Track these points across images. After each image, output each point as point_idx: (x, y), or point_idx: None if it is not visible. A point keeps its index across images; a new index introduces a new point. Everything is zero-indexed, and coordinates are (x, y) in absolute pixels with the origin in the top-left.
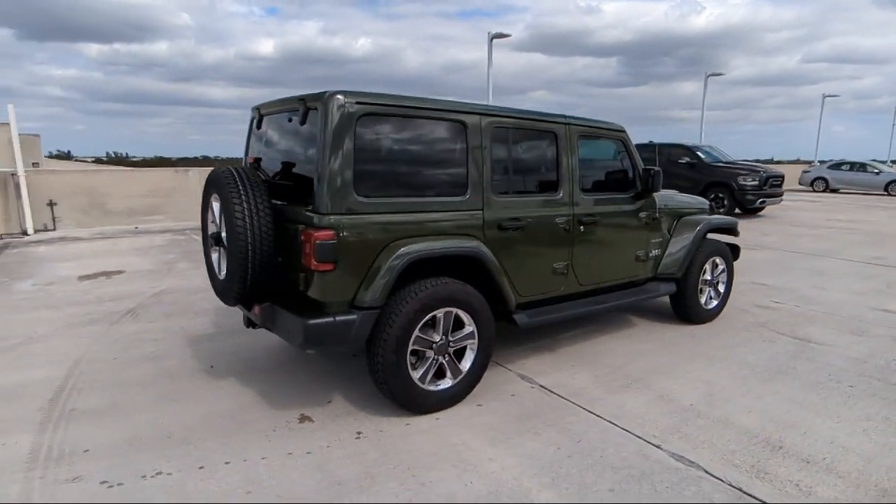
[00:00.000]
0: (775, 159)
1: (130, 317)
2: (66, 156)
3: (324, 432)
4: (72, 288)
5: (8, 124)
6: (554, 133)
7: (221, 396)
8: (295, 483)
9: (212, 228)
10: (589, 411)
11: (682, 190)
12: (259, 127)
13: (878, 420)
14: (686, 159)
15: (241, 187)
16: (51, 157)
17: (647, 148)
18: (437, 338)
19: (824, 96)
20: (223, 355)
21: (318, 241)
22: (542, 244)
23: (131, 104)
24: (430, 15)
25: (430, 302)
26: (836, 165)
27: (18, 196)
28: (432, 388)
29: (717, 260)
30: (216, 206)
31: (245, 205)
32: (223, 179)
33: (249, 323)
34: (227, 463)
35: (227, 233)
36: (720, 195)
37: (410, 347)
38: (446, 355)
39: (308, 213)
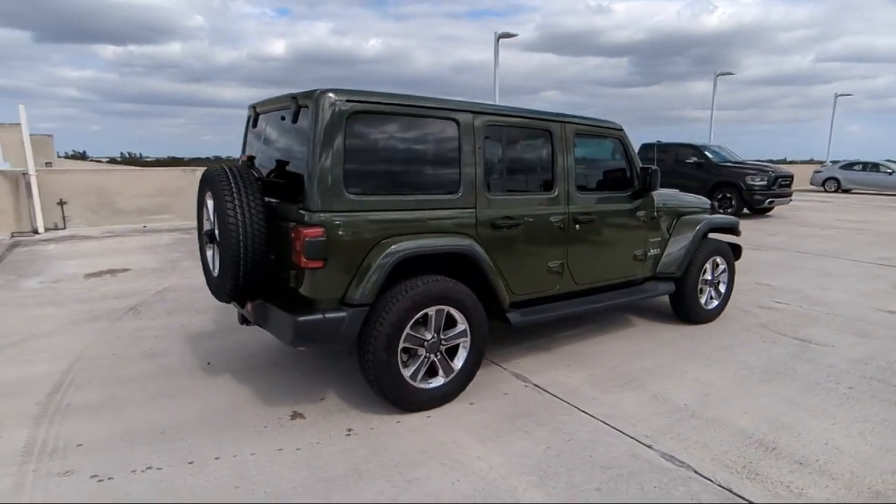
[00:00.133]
0: (788, 159)
1: (132, 314)
2: (82, 156)
3: (314, 429)
4: (77, 285)
5: (21, 125)
6: (549, 131)
7: (216, 393)
8: (282, 479)
9: (206, 226)
10: (582, 410)
11: (689, 190)
12: (255, 125)
13: (876, 422)
14: (694, 159)
15: (233, 185)
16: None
17: (654, 147)
18: (428, 336)
19: (836, 95)
20: (221, 352)
21: (307, 239)
22: (536, 243)
23: (145, 105)
24: (439, 15)
25: (422, 300)
26: (849, 165)
27: (29, 195)
28: (424, 386)
29: (718, 259)
30: (210, 204)
31: (237, 202)
32: (216, 177)
33: (243, 320)
34: (216, 458)
35: (219, 230)
36: (728, 195)
37: (401, 345)
38: (438, 353)
39: (299, 211)
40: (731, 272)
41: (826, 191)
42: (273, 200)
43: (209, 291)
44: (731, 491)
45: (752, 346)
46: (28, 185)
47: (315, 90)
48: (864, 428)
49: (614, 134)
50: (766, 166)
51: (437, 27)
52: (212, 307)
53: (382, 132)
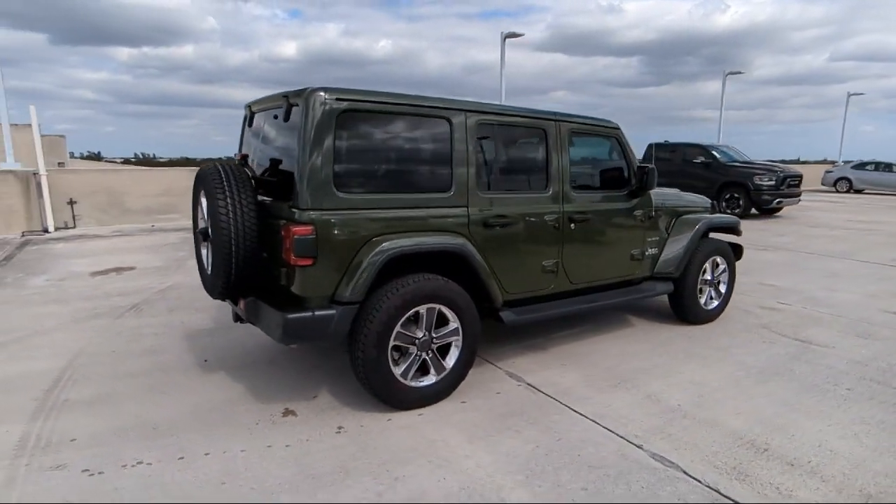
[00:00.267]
0: (801, 159)
1: (134, 312)
2: (97, 157)
3: (305, 426)
4: (83, 283)
5: (32, 126)
6: (543, 130)
7: (211, 390)
8: (270, 475)
9: (201, 224)
10: (573, 410)
11: (697, 190)
12: (251, 124)
13: (873, 424)
14: (701, 159)
15: (225, 184)
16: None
17: (662, 147)
18: (420, 334)
19: (849, 94)
20: (218, 350)
21: (296, 237)
22: (530, 242)
23: (158, 106)
24: (450, 16)
25: (413, 298)
26: (861, 165)
27: (40, 195)
28: (415, 384)
29: (718, 259)
30: (204, 202)
31: (229, 200)
32: (209, 176)
33: (237, 317)
34: (206, 454)
35: (211, 228)
36: (736, 195)
37: (392, 343)
38: (430, 352)
39: (290, 209)
40: (731, 272)
41: (838, 191)
42: (267, 199)
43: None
44: (718, 492)
45: (750, 346)
46: (39, 185)
47: (305, 88)
48: (859, 430)
49: (611, 133)
50: (775, 166)
51: (448, 28)
52: (212, 305)
53: (373, 131)
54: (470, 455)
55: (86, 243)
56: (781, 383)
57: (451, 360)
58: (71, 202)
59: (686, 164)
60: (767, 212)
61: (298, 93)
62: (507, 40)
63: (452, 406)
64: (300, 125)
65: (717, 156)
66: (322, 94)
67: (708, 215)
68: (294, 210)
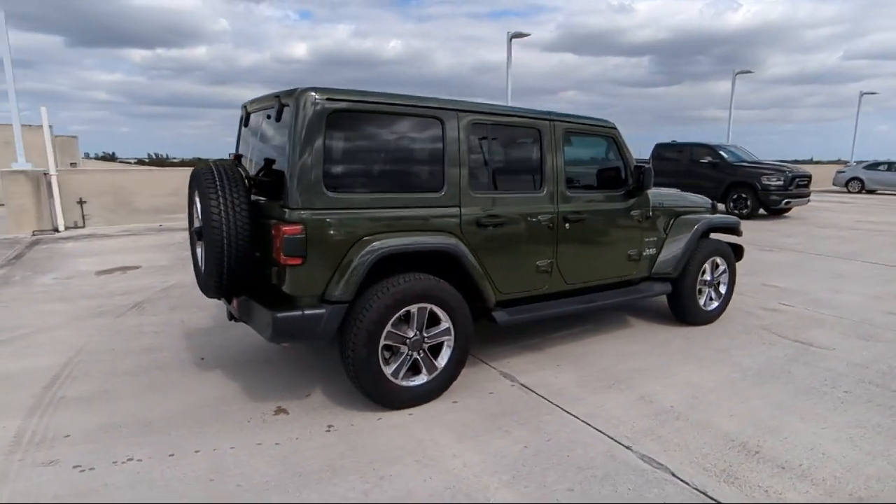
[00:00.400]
0: (815, 159)
1: (136, 310)
2: (112, 157)
3: (296, 424)
4: (88, 282)
5: (43, 126)
6: (538, 130)
7: (205, 388)
8: (257, 472)
9: (196, 224)
10: (565, 411)
11: (704, 190)
12: (247, 124)
13: (868, 427)
14: (708, 159)
15: (217, 183)
16: (97, 158)
17: (669, 147)
18: (411, 333)
19: (861, 94)
20: (215, 348)
21: (286, 236)
22: (524, 242)
23: (171, 107)
24: (459, 16)
25: (403, 297)
26: (873, 165)
27: (50, 195)
28: (406, 383)
29: (718, 260)
30: (198, 201)
31: (221, 200)
32: (202, 176)
33: (231, 316)
34: (196, 451)
35: (204, 227)
36: (743, 195)
37: (382, 342)
38: (421, 351)
39: (280, 208)
40: (731, 273)
41: (849, 191)
42: (261, 198)
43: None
44: (706, 494)
45: (749, 348)
46: (49, 185)
47: (296, 89)
48: (854, 433)
49: (607, 132)
50: (783, 166)
51: (458, 28)
52: (212, 304)
53: (364, 131)
54: (458, 455)
55: (94, 242)
56: (778, 385)
57: (442, 360)
58: (81, 202)
59: (693, 164)
60: (776, 212)
61: (289, 93)
62: (517, 40)
63: (444, 406)
64: (290, 125)
65: (725, 156)
66: (312, 94)
67: (708, 215)
68: (284, 209)
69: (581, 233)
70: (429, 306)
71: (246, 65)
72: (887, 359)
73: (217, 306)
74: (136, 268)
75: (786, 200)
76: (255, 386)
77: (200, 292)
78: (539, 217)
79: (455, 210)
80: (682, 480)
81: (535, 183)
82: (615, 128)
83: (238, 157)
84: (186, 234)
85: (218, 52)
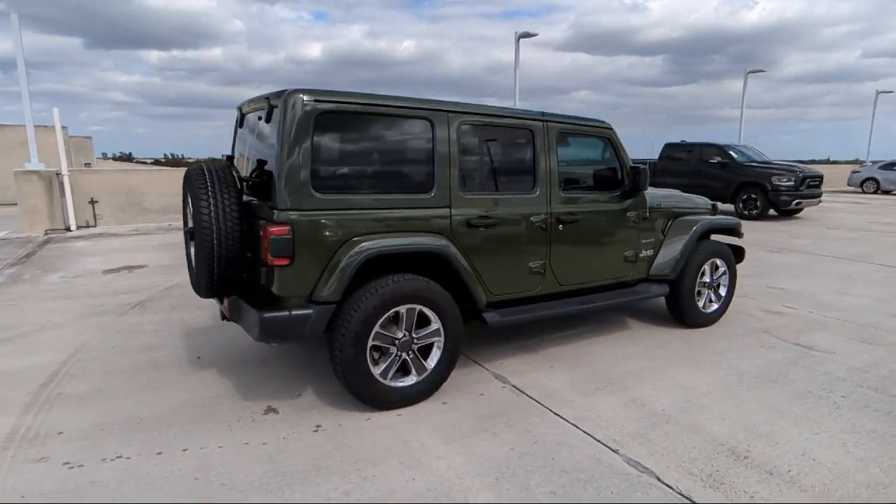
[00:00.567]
0: (831, 159)
1: (138, 309)
2: (128, 157)
3: (285, 424)
4: (95, 281)
5: (62, 128)
6: (530, 131)
7: (199, 386)
8: (242, 472)
9: (190, 224)
10: (555, 413)
11: (713, 190)
12: (241, 125)
13: (863, 433)
14: (718, 159)
15: (208, 184)
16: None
17: (678, 147)
18: (400, 334)
19: (878, 92)
20: (212, 347)
21: (272, 237)
22: (515, 243)
23: (185, 108)
24: (472, 16)
25: (391, 298)
26: (889, 165)
27: (63, 194)
28: (395, 384)
29: (718, 262)
30: (190, 202)
31: (211, 200)
32: (194, 176)
33: (224, 316)
34: (184, 450)
35: (194, 227)
36: (753, 196)
37: (371, 343)
38: (410, 352)
39: (268, 209)
40: (732, 275)
41: (864, 192)
42: (253, 199)
43: None
44: (690, 499)
45: (747, 351)
46: (61, 185)
47: (285, 90)
48: (848, 439)
49: (603, 133)
50: (794, 166)
51: (470, 28)
52: (211, 303)
53: (353, 132)
54: (443, 456)
55: (104, 242)
56: (774, 389)
57: (432, 361)
58: (92, 201)
59: (702, 164)
60: (786, 213)
61: (278, 94)
62: (530, 41)
63: (433, 407)
64: (279, 126)
65: (734, 155)
66: (301, 95)
67: (708, 217)
68: (272, 210)
69: (575, 234)
70: (418, 307)
71: (260, 66)
72: (888, 363)
73: (216, 306)
74: (142, 267)
75: (796, 201)
76: (249, 385)
77: None
78: (531, 218)
79: (445, 211)
80: (666, 485)
81: (527, 184)
82: (611, 128)
83: (230, 157)
84: None
85: (232, 53)
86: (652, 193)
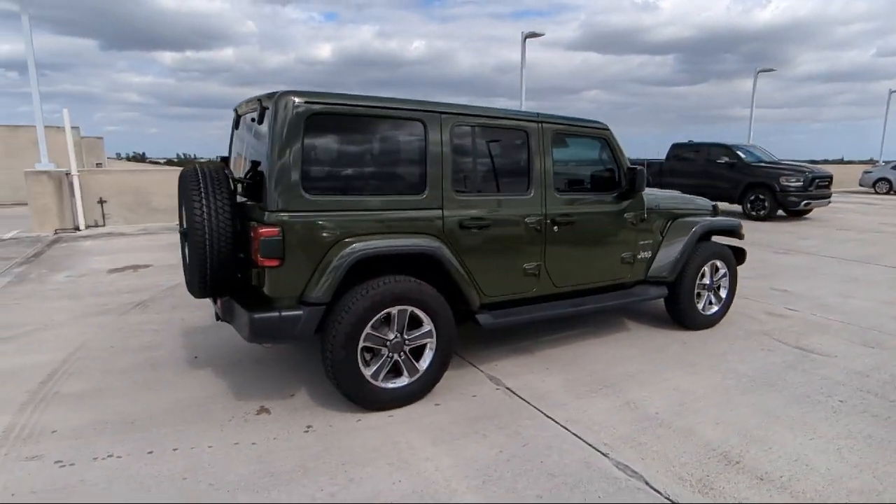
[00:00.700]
0: (845, 159)
1: (140, 308)
2: (142, 157)
3: (276, 424)
4: (99, 280)
5: (74, 128)
6: (525, 132)
7: (194, 386)
8: (230, 472)
9: (185, 224)
10: (546, 415)
11: (720, 191)
12: (237, 127)
13: (859, 438)
14: (725, 159)
15: (201, 185)
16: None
17: (685, 147)
18: (391, 335)
19: (891, 92)
20: (210, 347)
21: (262, 238)
22: (509, 245)
23: (198, 108)
24: (482, 16)
25: (382, 299)
26: None
27: (72, 194)
28: (387, 385)
29: (718, 263)
30: (184, 203)
31: (204, 201)
32: (188, 178)
33: (218, 316)
34: (175, 449)
35: (188, 228)
36: (761, 196)
37: (362, 344)
38: (402, 353)
39: (259, 210)
40: (732, 277)
41: (877, 192)
42: (247, 201)
43: None
44: None
45: (746, 354)
46: (71, 185)
47: (276, 92)
48: (843, 444)
49: (599, 134)
50: (803, 166)
51: (481, 28)
52: (210, 303)
53: (344, 133)
54: (431, 458)
55: (111, 241)
56: (771, 393)
57: (424, 363)
58: (101, 201)
59: (710, 164)
60: (795, 214)
61: (270, 96)
62: (539, 40)
63: (425, 408)
64: (270, 127)
65: (742, 156)
66: (292, 97)
67: (708, 218)
68: (263, 211)
69: (570, 235)
70: (409, 308)
71: (271, 66)
72: (889, 367)
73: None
74: (147, 266)
75: (805, 202)
76: (243, 385)
77: None
78: (526, 220)
79: (437, 212)
80: (654, 490)
81: (521, 185)
82: (608, 129)
83: (225, 159)
84: None
85: (244, 54)
86: (651, 194)
